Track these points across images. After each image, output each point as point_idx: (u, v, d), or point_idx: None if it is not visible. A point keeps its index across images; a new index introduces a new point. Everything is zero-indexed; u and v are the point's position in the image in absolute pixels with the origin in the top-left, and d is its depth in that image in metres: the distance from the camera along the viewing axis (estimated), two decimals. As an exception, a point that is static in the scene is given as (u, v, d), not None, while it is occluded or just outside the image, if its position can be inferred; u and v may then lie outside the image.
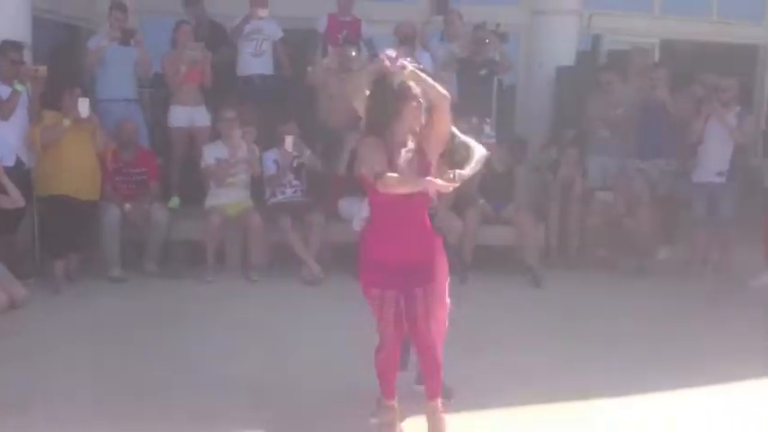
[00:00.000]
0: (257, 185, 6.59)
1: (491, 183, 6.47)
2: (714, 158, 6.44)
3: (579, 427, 3.77)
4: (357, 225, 6.22)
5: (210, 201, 6.35)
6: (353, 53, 6.73)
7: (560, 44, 8.20)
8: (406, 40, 6.98)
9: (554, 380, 4.19)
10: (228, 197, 6.33)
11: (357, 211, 6.28)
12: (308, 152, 6.49)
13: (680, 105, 6.84)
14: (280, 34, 7.27)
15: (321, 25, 7.48)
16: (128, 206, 6.13)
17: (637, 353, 4.69)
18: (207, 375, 4.26)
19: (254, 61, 7.15)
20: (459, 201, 6.53)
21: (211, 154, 6.34)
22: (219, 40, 7.24)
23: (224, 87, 7.06)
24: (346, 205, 6.47)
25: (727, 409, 3.99)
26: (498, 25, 7.23)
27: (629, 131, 6.97)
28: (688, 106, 6.91)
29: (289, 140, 6.28)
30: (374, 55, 7.40)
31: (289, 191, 6.52)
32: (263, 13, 6.97)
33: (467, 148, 3.61)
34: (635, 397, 4.04)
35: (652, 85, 6.87)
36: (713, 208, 6.50)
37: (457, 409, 3.68)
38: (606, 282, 6.33)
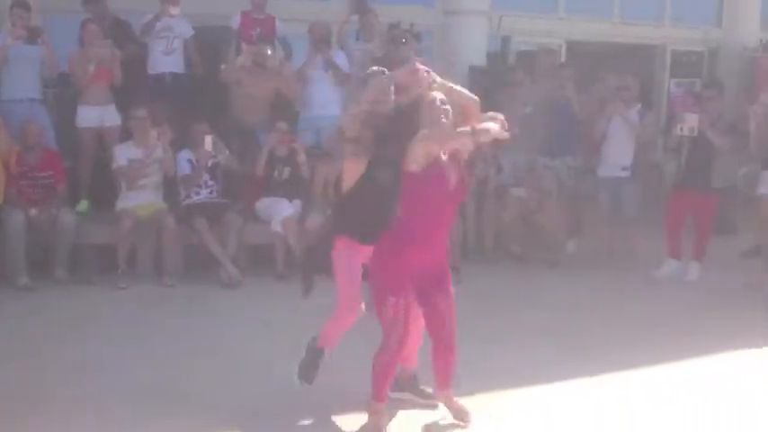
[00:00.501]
0: (169, 187, 6.46)
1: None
2: (617, 154, 6.72)
3: (497, 411, 3.88)
4: (277, 226, 6.21)
5: (122, 203, 6.19)
6: (269, 51, 6.67)
7: (471, 45, 8.39)
8: (322, 40, 6.98)
9: (473, 370, 4.25)
10: (140, 199, 6.18)
11: (276, 212, 6.26)
12: (226, 152, 6.40)
13: (585, 104, 7.11)
14: (191, 32, 7.16)
15: (234, 23, 7.39)
16: (33, 211, 5.90)
17: (550, 341, 4.85)
18: (121, 382, 4.18)
19: (166, 59, 7.01)
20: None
21: (123, 155, 6.17)
22: (124, 37, 7.05)
23: (132, 85, 6.88)
24: (264, 206, 6.42)
25: (640, 393, 4.18)
26: (412, 25, 7.31)
27: (537, 130, 7.18)
28: (593, 105, 7.20)
29: (208, 140, 6.18)
30: (289, 53, 7.44)
31: (204, 191, 6.42)
32: (174, 11, 6.84)
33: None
34: (554, 384, 4.20)
35: (559, 84, 7.11)
36: (617, 202, 6.77)
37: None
38: (520, 275, 6.51)
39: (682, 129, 6.33)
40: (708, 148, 6.31)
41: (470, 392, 3.90)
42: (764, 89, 7.08)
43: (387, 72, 3.63)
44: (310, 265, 3.87)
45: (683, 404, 4.08)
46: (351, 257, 3.66)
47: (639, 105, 6.91)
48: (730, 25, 9.86)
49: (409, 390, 3.91)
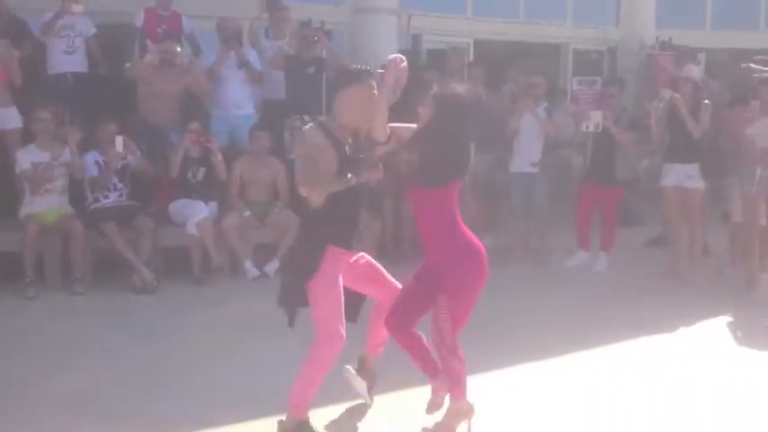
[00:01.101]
0: (76, 191, 6.21)
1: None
2: (528, 150, 6.90)
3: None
4: (192, 228, 6.06)
5: (26, 209, 5.91)
6: (178, 49, 6.50)
7: (382, 43, 8.41)
8: (234, 37, 6.85)
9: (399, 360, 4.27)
10: (46, 204, 5.93)
11: (192, 214, 6.12)
12: (138, 153, 6.20)
13: (494, 102, 7.27)
14: (93, 30, 6.93)
15: (138, 20, 7.17)
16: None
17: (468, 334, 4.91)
18: (36, 395, 4.00)
19: (67, 59, 6.76)
20: (296, 198, 6.54)
21: (26, 158, 5.89)
22: (21, 35, 6.73)
23: (29, 86, 6.58)
24: (178, 208, 6.27)
25: (551, 379, 4.30)
26: (322, 23, 7.28)
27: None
28: (502, 102, 7.37)
29: (119, 141, 5.98)
30: (197, 50, 7.27)
31: (113, 195, 6.21)
32: (76, 8, 6.58)
33: None
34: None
35: (469, 83, 7.22)
36: (529, 196, 6.96)
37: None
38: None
39: (587, 126, 6.57)
40: (611, 143, 6.58)
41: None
42: (662, 85, 7.43)
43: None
44: (292, 297, 3.50)
45: (596, 388, 4.23)
46: (334, 270, 3.44)
47: (546, 103, 7.12)
48: (628, 24, 10.30)
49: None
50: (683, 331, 5.19)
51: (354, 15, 8.57)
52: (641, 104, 7.89)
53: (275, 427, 3.48)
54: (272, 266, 6.29)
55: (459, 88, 3.50)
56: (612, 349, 4.79)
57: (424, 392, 3.73)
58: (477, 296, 3.49)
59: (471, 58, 9.25)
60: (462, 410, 3.56)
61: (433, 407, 3.67)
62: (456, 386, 3.52)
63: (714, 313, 5.49)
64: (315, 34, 6.90)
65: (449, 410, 3.59)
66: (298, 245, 3.74)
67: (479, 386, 3.88)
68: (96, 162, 6.15)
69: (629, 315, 5.39)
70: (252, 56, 6.95)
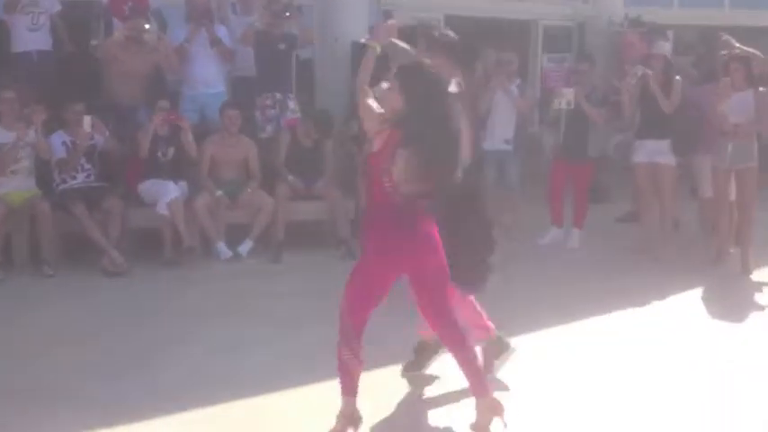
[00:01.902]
0: (42, 171, 6.07)
1: (299, 158, 6.47)
2: (501, 128, 6.89)
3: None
4: (163, 208, 5.97)
5: (-8, 190, 5.76)
6: (147, 26, 6.35)
7: (353, 19, 8.31)
8: (205, 14, 6.70)
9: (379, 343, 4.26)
10: (12, 185, 5.80)
11: (162, 194, 6.02)
12: (106, 133, 6.08)
13: (467, 78, 7.21)
14: (57, 7, 6.74)
15: (104, -4, 6.99)
16: None
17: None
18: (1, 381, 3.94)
19: (31, 36, 6.56)
20: (268, 178, 6.49)
21: (-9, 139, 5.74)
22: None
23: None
24: (148, 188, 6.16)
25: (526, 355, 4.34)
26: (291, -1, 7.18)
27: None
28: (474, 79, 7.32)
29: (87, 120, 5.85)
30: (164, 27, 7.12)
31: (81, 175, 6.08)
32: (41, -16, 6.38)
33: None
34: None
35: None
36: (501, 174, 6.96)
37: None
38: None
39: (560, 103, 6.58)
40: (583, 120, 6.60)
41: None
42: (630, 62, 7.47)
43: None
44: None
45: (575, 359, 4.30)
46: None
47: (518, 80, 7.11)
48: (597, 1, 10.29)
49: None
50: (656, 304, 5.27)
51: (324, -10, 8.44)
52: (610, 81, 7.95)
53: (249, 409, 3.47)
54: (245, 247, 6.23)
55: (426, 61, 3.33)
56: (590, 323, 4.86)
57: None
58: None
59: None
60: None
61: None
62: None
63: (685, 287, 5.59)
64: (286, 10, 6.78)
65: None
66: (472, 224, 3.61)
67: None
68: (63, 143, 6.02)
69: (603, 289, 5.45)
70: (222, 33, 6.83)
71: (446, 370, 3.87)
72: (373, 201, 3.34)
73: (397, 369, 4.00)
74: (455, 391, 3.78)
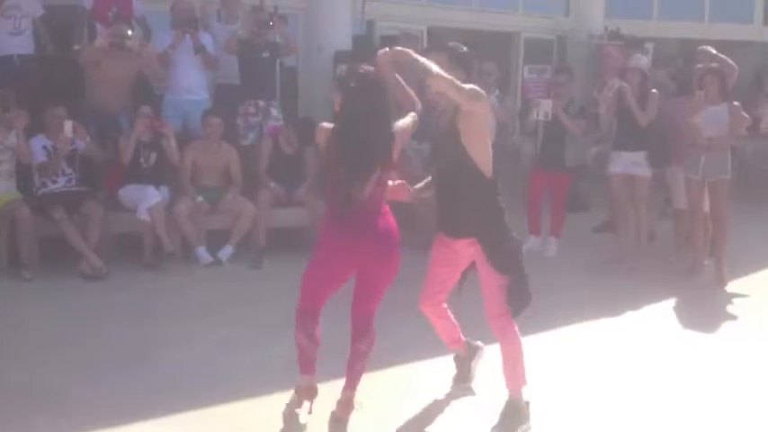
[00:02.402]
0: (22, 175, 6.07)
1: (281, 165, 6.52)
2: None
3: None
4: (144, 213, 5.99)
5: (-29, 194, 5.76)
6: (129, 32, 6.38)
7: (336, 29, 8.40)
8: (190, 22, 6.73)
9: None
10: (-8, 189, 5.79)
11: (143, 200, 6.04)
12: (87, 138, 6.09)
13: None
14: (40, 11, 6.75)
15: (87, 2, 7.00)
16: None
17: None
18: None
19: (13, 40, 6.58)
20: (250, 184, 6.52)
21: (-29, 142, 5.74)
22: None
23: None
24: (128, 193, 6.18)
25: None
26: (276, 7, 7.23)
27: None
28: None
29: (68, 125, 5.86)
30: (148, 34, 7.15)
31: (62, 180, 6.09)
32: (24, -12, 6.40)
33: None
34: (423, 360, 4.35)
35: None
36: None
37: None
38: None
39: (538, 114, 6.67)
40: (561, 130, 6.69)
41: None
42: (610, 75, 7.57)
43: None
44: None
45: (552, 365, 4.35)
46: None
47: (498, 90, 7.20)
48: (577, 14, 10.46)
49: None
50: (630, 314, 5.34)
51: (309, 0, 8.52)
52: (589, 93, 8.08)
53: (229, 413, 3.50)
54: (226, 252, 6.26)
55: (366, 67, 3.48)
56: (565, 331, 4.92)
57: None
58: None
59: (425, 45, 9.29)
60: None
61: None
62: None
63: (660, 297, 5.66)
64: (270, 19, 6.84)
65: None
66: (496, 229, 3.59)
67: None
68: (44, 147, 6.02)
69: (579, 298, 5.52)
70: (206, 40, 6.86)
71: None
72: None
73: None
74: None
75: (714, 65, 6.10)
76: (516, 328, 3.64)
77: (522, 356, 3.64)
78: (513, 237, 3.60)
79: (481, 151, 3.46)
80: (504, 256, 3.52)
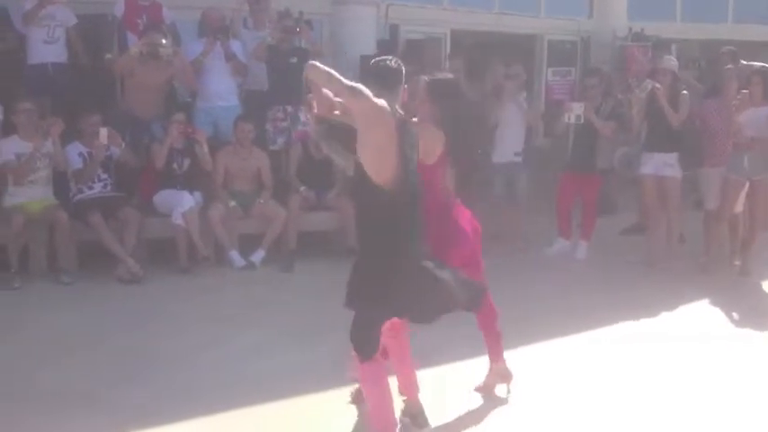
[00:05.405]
0: (59, 181, 6.16)
1: (311, 169, 6.57)
2: (511, 140, 6.98)
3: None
4: (178, 218, 6.07)
5: (10, 200, 5.87)
6: (164, 40, 6.46)
7: (361, 33, 8.46)
8: (222, 29, 6.80)
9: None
10: (30, 195, 5.89)
11: (177, 205, 6.11)
12: (122, 144, 6.18)
13: (476, 92, 7.33)
14: (74, 20, 6.83)
15: (119, 10, 7.09)
16: None
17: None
18: (24, 386, 4.02)
19: (47, 49, 6.65)
20: (280, 189, 6.58)
21: (10, 149, 5.84)
22: (3, 25, 6.65)
23: (10, 77, 6.50)
24: (163, 199, 6.26)
25: (534, 367, 4.42)
26: (301, 13, 7.29)
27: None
28: (484, 92, 7.44)
29: (103, 132, 5.96)
30: (178, 41, 7.22)
31: (98, 186, 6.18)
32: (58, -3, 6.50)
33: None
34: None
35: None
36: (510, 187, 7.05)
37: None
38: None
39: (569, 117, 6.68)
40: (592, 133, 6.69)
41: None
42: (634, 76, 7.59)
43: None
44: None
45: (583, 370, 4.38)
46: None
47: (525, 93, 7.22)
48: (600, 16, 10.45)
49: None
50: (664, 315, 5.34)
51: (333, 5, 8.58)
52: (614, 95, 8.06)
53: (260, 415, 3.54)
54: (258, 256, 6.32)
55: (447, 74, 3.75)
56: (596, 333, 4.93)
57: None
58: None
59: (448, 48, 9.34)
60: None
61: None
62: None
63: (692, 298, 5.65)
64: (297, 26, 6.91)
65: None
66: None
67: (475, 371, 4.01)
68: (80, 154, 6.12)
69: (611, 301, 5.51)
70: (237, 47, 6.94)
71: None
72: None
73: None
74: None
75: (759, 64, 6.10)
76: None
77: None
78: (400, 268, 3.12)
79: (370, 156, 3.06)
80: (351, 287, 3.21)
